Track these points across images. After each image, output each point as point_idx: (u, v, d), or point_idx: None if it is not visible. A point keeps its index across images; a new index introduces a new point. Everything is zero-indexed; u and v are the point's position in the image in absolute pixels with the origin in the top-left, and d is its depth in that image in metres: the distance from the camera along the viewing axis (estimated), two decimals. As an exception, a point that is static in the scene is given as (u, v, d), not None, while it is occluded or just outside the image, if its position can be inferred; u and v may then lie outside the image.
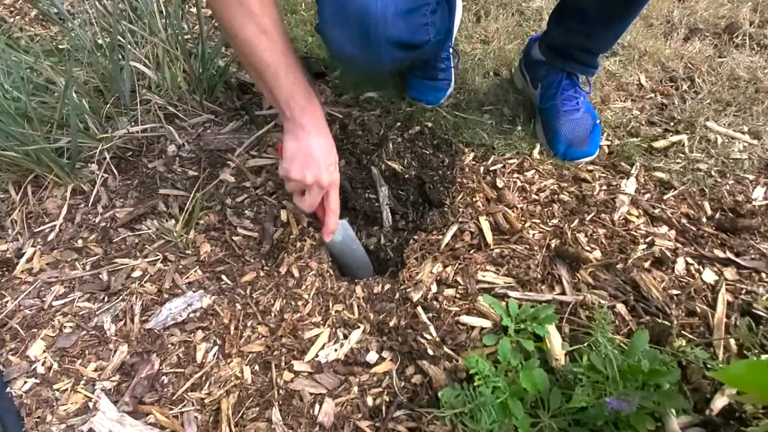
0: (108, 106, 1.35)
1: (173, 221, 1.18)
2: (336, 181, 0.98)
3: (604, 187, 1.16)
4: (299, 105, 0.91)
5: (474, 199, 1.12)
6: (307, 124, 0.91)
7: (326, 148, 0.95)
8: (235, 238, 1.13)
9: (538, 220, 1.09)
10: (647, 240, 1.03)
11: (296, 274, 1.05)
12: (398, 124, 1.28)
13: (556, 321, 0.84)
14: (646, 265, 0.99)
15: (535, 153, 1.26)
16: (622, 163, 1.22)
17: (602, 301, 0.92)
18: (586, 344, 0.85)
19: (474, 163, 1.23)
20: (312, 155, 0.92)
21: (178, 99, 1.46)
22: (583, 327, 0.89)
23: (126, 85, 1.39)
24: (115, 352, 0.97)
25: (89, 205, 1.26)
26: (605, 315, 0.87)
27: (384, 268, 1.12)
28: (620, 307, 0.92)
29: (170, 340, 0.97)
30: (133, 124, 1.41)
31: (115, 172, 1.30)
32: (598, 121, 1.27)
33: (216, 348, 0.95)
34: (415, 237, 1.10)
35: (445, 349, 0.88)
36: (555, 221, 1.09)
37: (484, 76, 1.54)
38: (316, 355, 0.91)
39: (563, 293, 0.95)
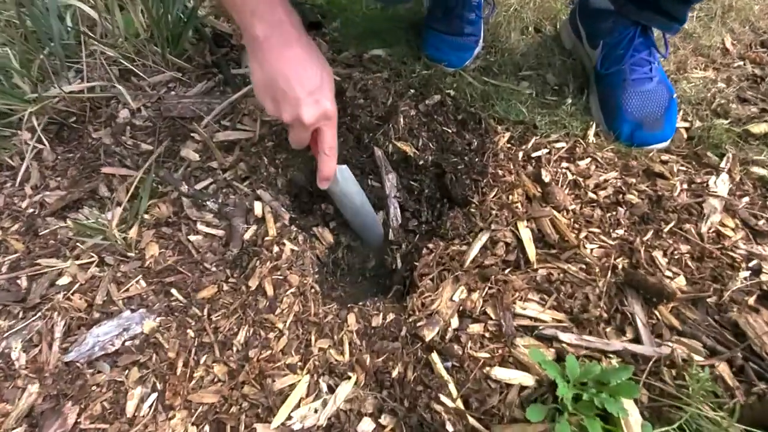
0: (42, 58, 1.06)
1: (119, 209, 0.90)
2: (327, 113, 0.72)
3: (686, 186, 0.87)
4: (250, 7, 0.65)
5: (511, 198, 0.83)
6: (266, 36, 0.66)
7: (305, 68, 0.68)
8: (192, 237, 0.86)
9: (597, 230, 0.81)
10: (751, 265, 0.75)
11: (270, 291, 0.79)
12: (411, 91, 0.98)
13: (637, 394, 0.57)
14: (751, 301, 0.71)
15: (590, 135, 0.96)
16: (708, 153, 0.92)
17: (698, 357, 0.65)
18: (676, 426, 0.58)
19: (510, 146, 0.94)
20: (282, 84, 0.68)
21: (135, 52, 1.16)
22: (669, 396, 0.62)
23: (65, 31, 1.09)
24: (23, 392, 0.72)
25: (16, 184, 0.99)
26: (704, 383, 0.60)
27: (387, 285, 0.85)
28: (722, 368, 0.64)
29: (95, 380, 0.72)
30: (79, 81, 1.12)
31: (47, 143, 1.01)
32: (674, 96, 0.97)
33: (155, 396, 0.70)
34: (430, 245, 0.82)
35: (470, 419, 0.62)
36: (621, 231, 0.80)
37: (522, 31, 1.23)
38: (289, 417, 0.65)
39: (637, 340, 0.68)
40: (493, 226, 0.79)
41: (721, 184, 0.86)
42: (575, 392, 0.60)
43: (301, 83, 0.68)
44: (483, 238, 0.79)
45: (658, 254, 0.76)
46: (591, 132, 0.97)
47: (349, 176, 0.83)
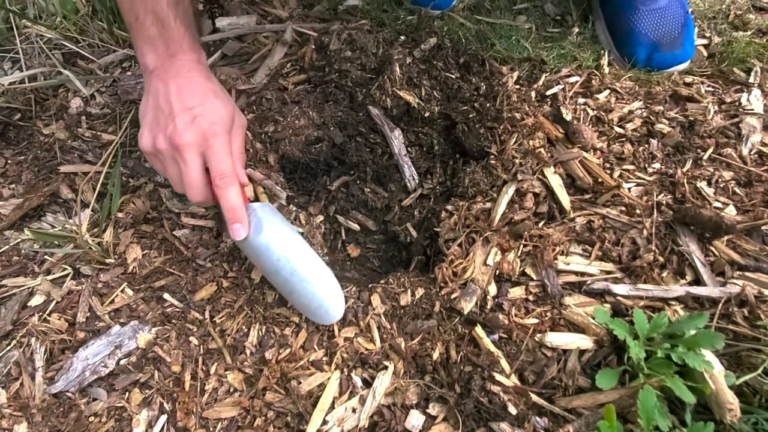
0: (-34, 46, 0.91)
1: (87, 211, 0.79)
2: (206, 134, 0.59)
3: (717, 107, 0.79)
4: (147, 33, 0.62)
5: (532, 143, 0.74)
6: (156, 66, 0.62)
7: (191, 90, 0.60)
8: (178, 232, 0.75)
9: (631, 166, 0.73)
10: (803, 183, 0.68)
11: (277, 281, 0.69)
12: (402, 38, 0.87)
13: (721, 344, 0.50)
14: (811, 222, 0.64)
15: (604, 65, 0.87)
16: (735, 70, 0.84)
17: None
18: (760, 371, 0.52)
19: (519, 87, 0.84)
20: (162, 102, 0.60)
21: (78, 31, 1.02)
22: (745, 339, 0.55)
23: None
24: (9, 434, 0.62)
25: (-38, 197, 0.85)
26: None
27: (406, 258, 0.77)
28: (796, 300, 0.58)
29: (92, 410, 0.62)
30: (17, 71, 0.97)
31: (-9, 146, 0.88)
32: (689, 11, 0.88)
33: (164, 418, 0.61)
34: (449, 207, 0.73)
35: (533, 396, 0.55)
36: (657, 165, 0.73)
37: (509, -38, 1.11)
38: (324, 422, 0.57)
39: (698, 282, 0.61)
40: (519, 177, 0.70)
41: (755, 101, 0.78)
42: (646, 350, 0.53)
43: (180, 99, 0.59)
44: (509, 191, 0.70)
45: (702, 185, 0.69)
46: (604, 61, 0.87)
47: (272, 220, 0.60)
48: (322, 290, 0.60)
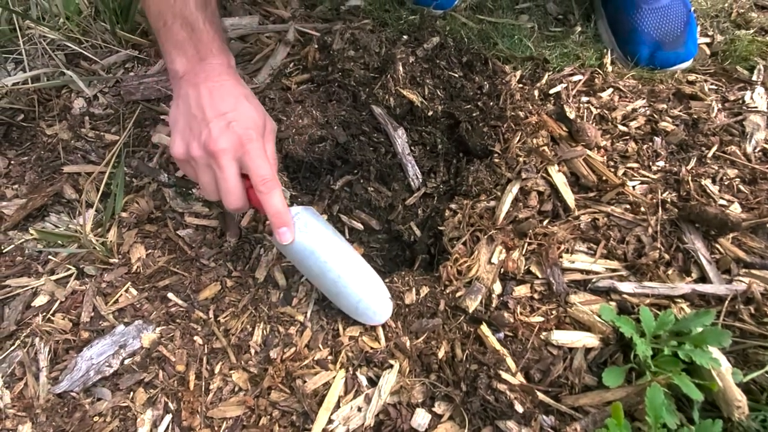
0: (-30, 47, 0.91)
1: (91, 211, 0.79)
2: (242, 139, 0.56)
3: (721, 105, 0.79)
4: (176, 38, 0.61)
5: (536, 141, 0.74)
6: (186, 71, 0.61)
7: (222, 96, 0.58)
8: (182, 232, 0.75)
9: (635, 164, 0.73)
10: (809, 180, 0.68)
11: (281, 281, 0.69)
12: (405, 37, 0.87)
13: (728, 341, 0.50)
14: (817, 220, 0.64)
15: (607, 63, 0.87)
16: (738, 68, 0.84)
17: (775, 290, 0.58)
18: (767, 368, 0.52)
19: (522, 85, 0.84)
20: (194, 110, 0.58)
21: (81, 32, 1.02)
22: (751, 336, 0.55)
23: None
24: (13, 434, 0.62)
25: (-34, 198, 0.85)
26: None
27: (410, 257, 0.77)
28: (803, 297, 0.58)
29: (96, 409, 0.62)
30: (21, 72, 0.97)
31: (-6, 146, 0.88)
32: (692, 9, 0.88)
33: (169, 417, 0.61)
34: (453, 206, 0.73)
35: (539, 394, 0.54)
36: (661, 163, 0.72)
37: (511, -38, 1.11)
38: (330, 421, 0.56)
39: (704, 280, 0.61)
40: (523, 176, 0.70)
41: (758, 99, 0.78)
42: (653, 347, 0.53)
43: (213, 105, 0.57)
44: (513, 189, 0.70)
45: (707, 182, 0.69)
46: (607, 60, 0.87)
47: (316, 223, 0.60)
48: (368, 293, 0.62)
